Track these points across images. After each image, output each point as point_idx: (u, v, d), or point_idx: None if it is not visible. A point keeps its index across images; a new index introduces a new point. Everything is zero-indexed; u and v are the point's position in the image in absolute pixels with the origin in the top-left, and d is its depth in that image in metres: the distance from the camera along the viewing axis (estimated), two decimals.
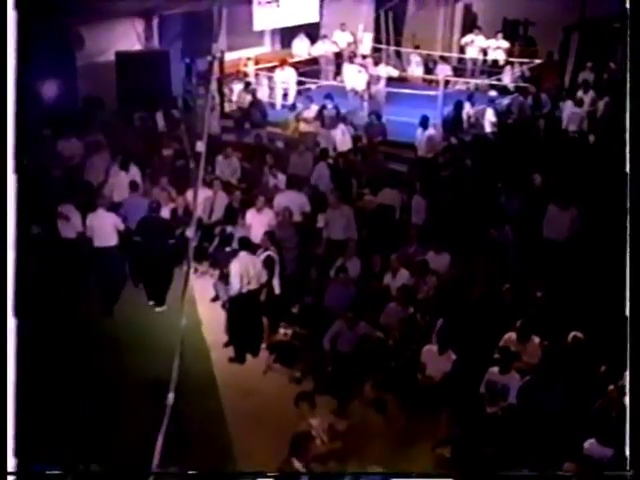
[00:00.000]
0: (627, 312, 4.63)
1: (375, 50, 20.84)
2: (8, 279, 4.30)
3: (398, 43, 21.73)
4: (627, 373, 4.54)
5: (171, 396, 4.91)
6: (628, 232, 4.70)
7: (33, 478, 5.06)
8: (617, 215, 11.52)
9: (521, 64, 19.76)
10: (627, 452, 4.60)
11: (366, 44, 20.70)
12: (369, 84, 17.36)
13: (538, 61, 19.60)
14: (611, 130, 15.20)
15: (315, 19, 19.63)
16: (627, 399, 4.59)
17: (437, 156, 14.40)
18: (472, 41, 20.64)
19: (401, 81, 19.29)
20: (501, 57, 20.34)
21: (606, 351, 8.15)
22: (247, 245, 10.19)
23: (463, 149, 14.77)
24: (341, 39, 20.26)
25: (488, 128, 16.10)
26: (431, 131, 14.76)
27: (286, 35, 20.37)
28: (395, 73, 18.55)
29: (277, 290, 10.41)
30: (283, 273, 10.58)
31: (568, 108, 16.36)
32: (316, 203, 12.33)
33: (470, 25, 21.72)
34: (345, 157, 14.37)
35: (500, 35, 20.58)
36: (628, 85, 4.56)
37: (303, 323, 10.09)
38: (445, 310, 9.34)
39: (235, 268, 9.74)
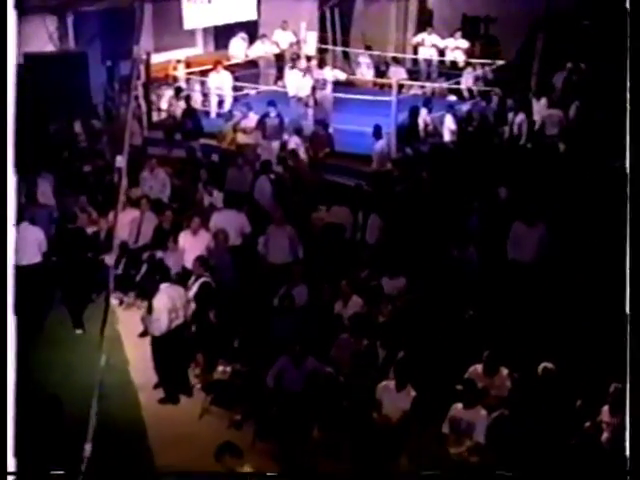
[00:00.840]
0: (627, 310, 4.82)
1: (320, 51, 21.00)
2: (8, 279, 4.43)
3: (346, 43, 21.95)
4: (627, 372, 4.76)
5: (88, 447, 4.86)
6: (628, 238, 4.88)
7: (33, 478, 5.27)
8: (591, 232, 11.83)
9: (482, 65, 20.07)
10: (627, 452, 4.81)
11: (310, 44, 20.86)
12: (314, 89, 17.48)
13: (501, 62, 19.94)
14: (584, 138, 15.56)
15: (253, 17, 19.76)
16: (627, 399, 4.81)
17: (391, 169, 14.56)
18: (427, 40, 20.95)
19: (350, 85, 19.47)
20: (460, 58, 20.68)
21: (581, 384, 8.30)
22: (168, 276, 10.21)
23: (420, 161, 14.97)
24: (282, 39, 20.39)
25: (447, 137, 16.35)
26: (384, 141, 14.93)
27: (221, 35, 20.43)
28: (343, 77, 18.74)
29: (214, 322, 10.38)
30: (221, 303, 10.56)
31: (542, 110, 16.67)
32: (258, 223, 12.36)
33: (425, 23, 22.04)
34: (291, 170, 14.45)
35: (458, 34, 20.92)
36: (628, 85, 4.74)
37: (244, 359, 10.06)
38: (403, 341, 9.40)
39: (160, 302, 9.70)
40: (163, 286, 9.89)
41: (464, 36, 21.07)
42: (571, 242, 11.64)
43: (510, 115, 16.28)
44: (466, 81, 19.67)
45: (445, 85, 19.53)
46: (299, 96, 17.47)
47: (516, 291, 10.61)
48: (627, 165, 4.82)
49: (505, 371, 8.71)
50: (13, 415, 4.42)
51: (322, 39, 21.39)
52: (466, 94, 19.27)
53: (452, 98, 19.16)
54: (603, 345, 9.16)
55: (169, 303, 9.74)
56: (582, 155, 14.87)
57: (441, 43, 20.83)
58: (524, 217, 11.35)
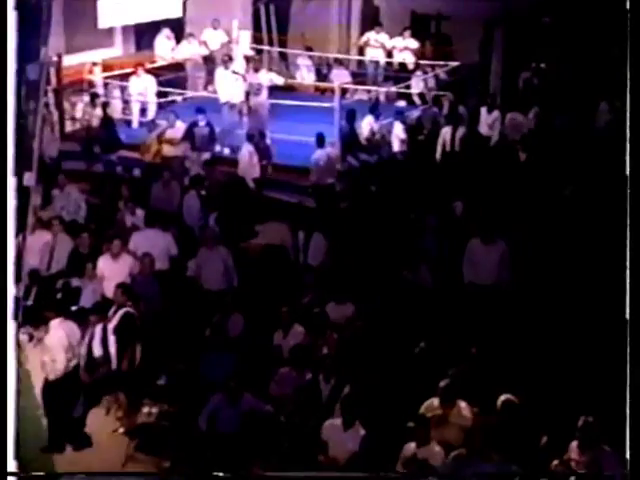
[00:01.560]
0: (627, 315, 4.97)
1: (255, 52, 21.04)
2: (8, 281, 4.48)
3: (283, 43, 22.04)
4: (627, 372, 4.91)
5: None
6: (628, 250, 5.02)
7: (33, 478, 5.73)
8: (556, 250, 12.00)
9: (434, 67, 20.26)
10: (627, 452, 4.95)
11: (243, 45, 20.89)
12: (248, 95, 17.51)
13: (455, 63, 20.16)
14: (546, 145, 15.81)
15: (177, 14, 19.73)
16: (627, 399, 4.97)
17: (334, 182, 14.63)
18: (374, 40, 21.09)
19: (288, 90, 19.52)
20: (410, 59, 20.85)
21: (546, 418, 8.40)
22: (66, 309, 10.15)
23: (366, 173, 15.07)
24: (212, 39, 20.40)
25: (396, 146, 16.49)
26: (324, 151, 14.95)
27: (143, 34, 20.36)
28: (280, 81, 18.78)
29: (137, 357, 10.30)
30: (146, 335, 10.49)
31: (508, 115, 16.93)
32: (187, 245, 12.32)
33: (371, 21, 22.22)
34: (223, 186, 14.45)
35: (407, 33, 21.08)
36: (628, 87, 4.87)
37: (172, 398, 9.99)
38: (350, 374, 9.43)
39: (54, 339, 9.62)
40: (56, 322, 9.79)
41: (413, 35, 21.24)
42: (534, 261, 11.80)
43: (446, 129, 16.14)
44: (416, 85, 19.82)
45: (393, 89, 19.68)
46: (232, 102, 17.46)
47: (474, 316, 10.72)
48: (627, 169, 4.97)
49: (463, 404, 8.78)
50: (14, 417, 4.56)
51: (256, 39, 21.41)
52: (417, 99, 19.44)
53: (401, 104, 19.33)
54: (571, 375, 9.31)
55: (65, 340, 9.65)
56: (544, 165, 15.11)
57: (389, 43, 20.95)
58: (481, 234, 11.46)
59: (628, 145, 4.90)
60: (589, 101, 16.95)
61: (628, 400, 4.80)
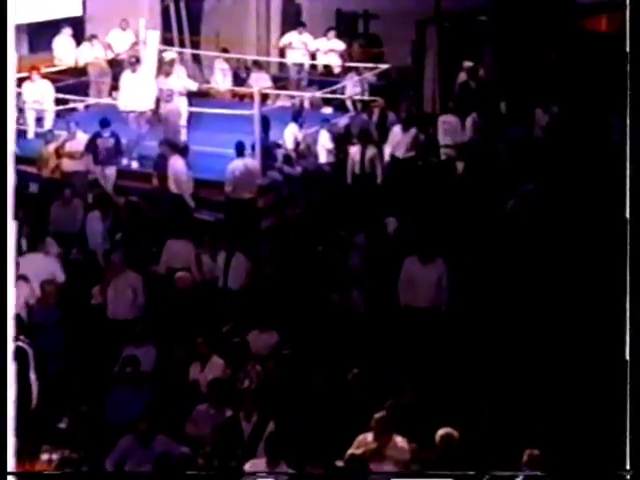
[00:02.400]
0: (627, 314, 5.12)
1: (165, 55, 20.93)
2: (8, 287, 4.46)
3: (196, 45, 22.00)
4: (627, 372, 5.06)
5: None
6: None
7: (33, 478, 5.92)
8: (499, 268, 12.15)
9: (360, 71, 20.31)
10: (627, 452, 5.09)
11: (151, 46, 20.79)
12: (158, 102, 17.44)
13: (385, 66, 20.31)
14: (485, 156, 16.05)
15: (77, 12, 19.59)
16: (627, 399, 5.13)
17: (255, 197, 14.65)
18: (296, 42, 21.10)
19: (203, 97, 19.52)
20: (336, 62, 20.93)
21: (489, 453, 8.50)
22: None
23: (291, 187, 15.12)
24: (118, 40, 20.28)
25: (323, 157, 16.61)
26: (245, 163, 14.95)
27: (38, 34, 20.16)
28: (194, 86, 18.78)
29: (34, 398, 10.13)
30: (43, 372, 10.34)
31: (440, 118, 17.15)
32: (92, 269, 12.24)
33: (293, 20, 22.29)
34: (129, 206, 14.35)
35: (332, 33, 21.11)
36: (629, 88, 4.99)
37: (76, 442, 9.88)
38: (275, 409, 9.44)
39: None
40: None
41: (339, 36, 21.36)
42: (475, 281, 11.94)
43: (354, 149, 16.12)
44: (344, 90, 19.91)
45: (318, 94, 19.77)
46: (139, 111, 17.36)
47: (411, 342, 10.81)
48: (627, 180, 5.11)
49: (399, 439, 8.84)
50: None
51: (166, 40, 21.28)
52: (349, 105, 19.50)
53: (327, 110, 19.44)
54: (514, 405, 9.44)
55: None
56: (483, 177, 15.32)
57: (312, 45, 20.98)
58: (419, 252, 11.54)
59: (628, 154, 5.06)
60: (527, 107, 17.26)
61: (628, 399, 4.98)
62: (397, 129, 16.60)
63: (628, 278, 6.37)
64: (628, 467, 5.08)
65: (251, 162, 15.12)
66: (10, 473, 4.90)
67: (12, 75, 4.86)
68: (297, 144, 16.52)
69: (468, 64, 19.17)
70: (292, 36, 21.17)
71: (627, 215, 5.89)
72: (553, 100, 17.30)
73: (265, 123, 16.16)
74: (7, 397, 4.75)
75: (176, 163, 15.06)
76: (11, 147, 4.89)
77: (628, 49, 5.00)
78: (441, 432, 8.58)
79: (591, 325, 10.82)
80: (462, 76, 19.24)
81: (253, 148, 15.58)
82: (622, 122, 6.71)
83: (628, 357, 5.18)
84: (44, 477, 6.75)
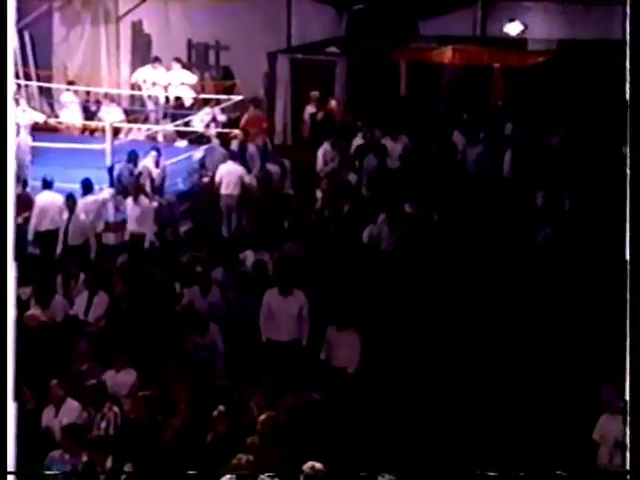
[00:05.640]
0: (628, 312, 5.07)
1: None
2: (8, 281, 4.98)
3: (44, 77, 21.54)
4: (627, 372, 5.03)
5: None
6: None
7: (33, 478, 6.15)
8: (412, 332, 11.94)
9: (215, 102, 20.21)
10: (627, 452, 5.07)
11: None
12: None
13: (238, 97, 20.26)
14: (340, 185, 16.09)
15: None
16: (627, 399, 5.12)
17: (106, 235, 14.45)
18: (148, 75, 20.76)
19: (51, 131, 19.16)
20: (188, 94, 20.67)
21: None
22: None
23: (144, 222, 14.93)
24: None
25: (179, 189, 16.52)
26: (95, 200, 14.69)
27: None
28: (41, 119, 18.39)
29: None
30: None
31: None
32: None
33: (142, 50, 22.04)
34: None
35: (177, 65, 20.72)
36: (629, 91, 4.96)
37: None
38: (133, 454, 9.20)
39: None
40: None
41: (190, 67, 21.20)
42: (389, 348, 11.71)
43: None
44: (197, 122, 19.74)
45: (171, 127, 19.59)
46: None
47: (275, 377, 10.67)
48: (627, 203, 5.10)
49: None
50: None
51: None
52: (213, 136, 19.23)
53: (182, 143, 19.27)
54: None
55: None
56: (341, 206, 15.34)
57: (164, 78, 20.63)
58: (279, 285, 11.57)
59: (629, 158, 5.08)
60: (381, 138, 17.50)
61: (628, 399, 4.99)
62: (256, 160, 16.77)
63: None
64: (628, 467, 5.12)
65: (100, 199, 14.84)
66: (10, 473, 4.78)
67: (11, 75, 4.74)
68: (152, 179, 16.22)
69: (315, 94, 19.28)
70: (145, 71, 20.87)
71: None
72: (404, 130, 17.58)
73: (132, 156, 16.03)
74: (7, 398, 4.68)
75: (48, 196, 14.81)
76: (11, 147, 4.71)
77: (628, 49, 5.02)
78: (308, 465, 8.39)
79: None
80: (309, 108, 19.35)
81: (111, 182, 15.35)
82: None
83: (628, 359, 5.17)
84: (44, 477, 6.59)
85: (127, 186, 15.62)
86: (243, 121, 19.25)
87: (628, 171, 4.99)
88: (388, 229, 13.64)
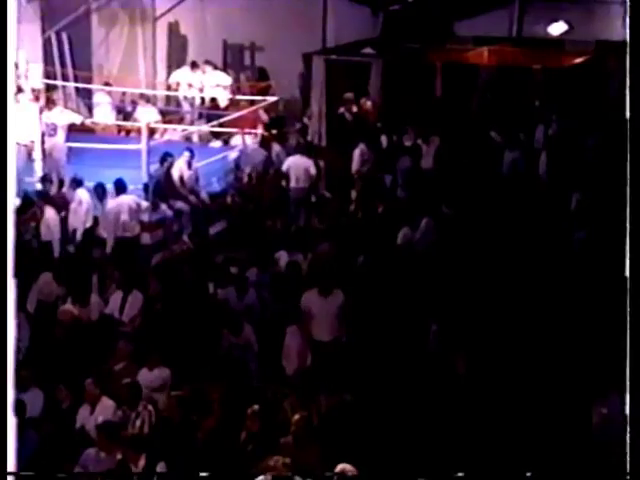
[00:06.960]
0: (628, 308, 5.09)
1: (48, 88, 20.51)
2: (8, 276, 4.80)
3: (81, 78, 21.64)
4: (627, 373, 5.05)
5: None
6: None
7: (33, 478, 5.97)
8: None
9: (248, 104, 20.27)
10: (627, 452, 5.08)
11: (34, 80, 20.38)
12: (43, 136, 17.08)
13: (273, 98, 20.32)
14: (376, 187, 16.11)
15: None
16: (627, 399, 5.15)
17: (141, 235, 14.46)
18: (183, 77, 20.87)
19: (87, 132, 19.24)
20: (223, 95, 20.77)
21: None
22: None
23: (181, 222, 14.98)
24: None
25: (214, 191, 16.51)
26: (127, 201, 14.75)
27: None
28: (78, 120, 18.48)
29: None
30: None
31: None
32: None
33: (178, 51, 22.15)
34: None
35: (209, 67, 20.87)
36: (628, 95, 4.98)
37: None
38: (166, 453, 9.22)
39: None
40: None
41: (226, 68, 21.30)
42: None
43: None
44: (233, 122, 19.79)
45: (206, 128, 19.64)
46: (22, 144, 16.92)
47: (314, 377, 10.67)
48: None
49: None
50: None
51: (48, 73, 20.86)
52: (237, 139, 19.34)
53: (217, 144, 19.31)
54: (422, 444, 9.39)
55: None
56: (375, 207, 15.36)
57: (200, 79, 20.76)
58: (319, 285, 11.44)
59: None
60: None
61: (628, 399, 4.98)
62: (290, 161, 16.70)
63: None
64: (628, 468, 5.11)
65: (133, 200, 14.86)
66: (10, 473, 4.83)
67: (11, 75, 4.81)
68: (182, 179, 16.24)
69: (349, 95, 19.28)
70: (183, 73, 20.99)
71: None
72: (436, 131, 17.58)
73: (164, 157, 16.07)
74: (7, 397, 4.71)
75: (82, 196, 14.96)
76: (11, 147, 4.79)
77: (628, 50, 5.01)
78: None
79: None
80: (344, 109, 19.38)
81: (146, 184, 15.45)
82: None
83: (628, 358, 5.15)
84: (44, 477, 6.80)
85: (161, 187, 15.71)
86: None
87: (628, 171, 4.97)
88: (429, 232, 13.65)
